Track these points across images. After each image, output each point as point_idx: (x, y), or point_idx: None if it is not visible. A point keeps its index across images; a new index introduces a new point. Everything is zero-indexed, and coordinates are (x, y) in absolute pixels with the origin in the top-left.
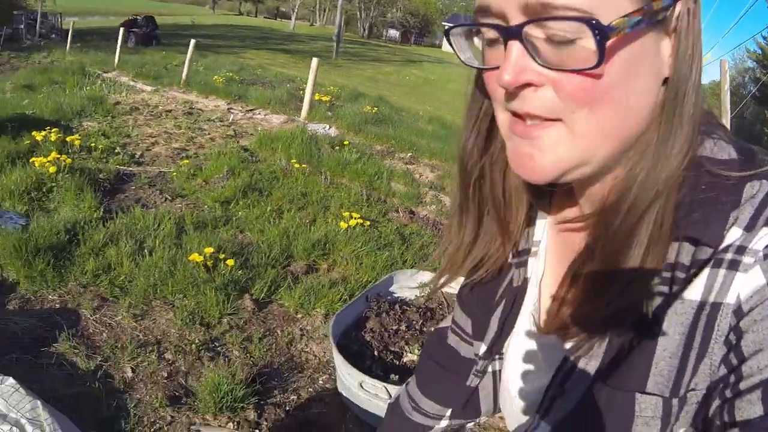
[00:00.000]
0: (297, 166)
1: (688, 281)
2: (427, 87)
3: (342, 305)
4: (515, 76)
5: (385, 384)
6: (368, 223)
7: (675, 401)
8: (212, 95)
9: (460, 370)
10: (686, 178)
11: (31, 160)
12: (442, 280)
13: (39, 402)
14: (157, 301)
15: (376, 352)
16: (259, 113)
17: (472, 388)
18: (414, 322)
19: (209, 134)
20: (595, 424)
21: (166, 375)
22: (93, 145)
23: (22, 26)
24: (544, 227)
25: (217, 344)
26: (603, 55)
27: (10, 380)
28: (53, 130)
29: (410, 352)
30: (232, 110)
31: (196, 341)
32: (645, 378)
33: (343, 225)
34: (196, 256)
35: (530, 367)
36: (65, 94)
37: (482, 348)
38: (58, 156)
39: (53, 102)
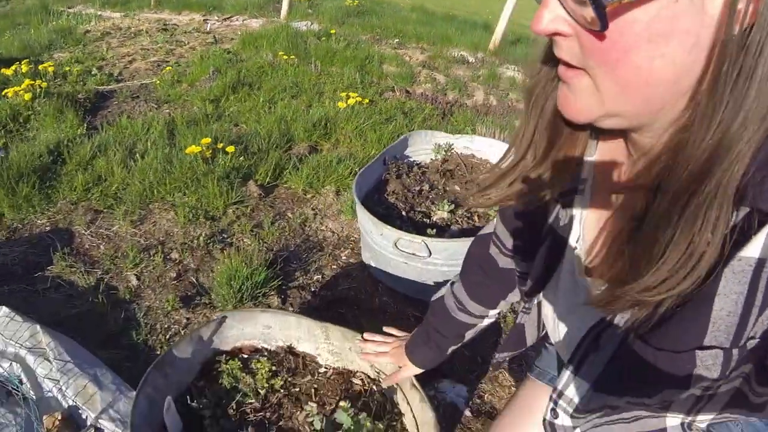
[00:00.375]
0: (285, 57)
1: (745, 241)
2: None
3: (352, 180)
4: (546, 24)
5: (424, 238)
6: (367, 100)
7: (735, 351)
8: (185, 10)
9: (500, 279)
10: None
11: (2, 93)
12: (488, 196)
13: (38, 327)
14: (156, 203)
15: (403, 213)
16: (237, 20)
17: (521, 324)
18: (435, 183)
19: (188, 44)
20: (645, 377)
21: (174, 276)
22: (68, 69)
23: None
24: (591, 168)
25: (225, 236)
26: (605, 21)
27: (4, 309)
28: (23, 61)
29: (440, 210)
30: (208, 20)
31: (202, 236)
32: (702, 336)
33: (341, 105)
34: (193, 148)
35: (564, 310)
36: (30, 32)
37: (528, 284)
38: (32, 82)
39: (19, 41)
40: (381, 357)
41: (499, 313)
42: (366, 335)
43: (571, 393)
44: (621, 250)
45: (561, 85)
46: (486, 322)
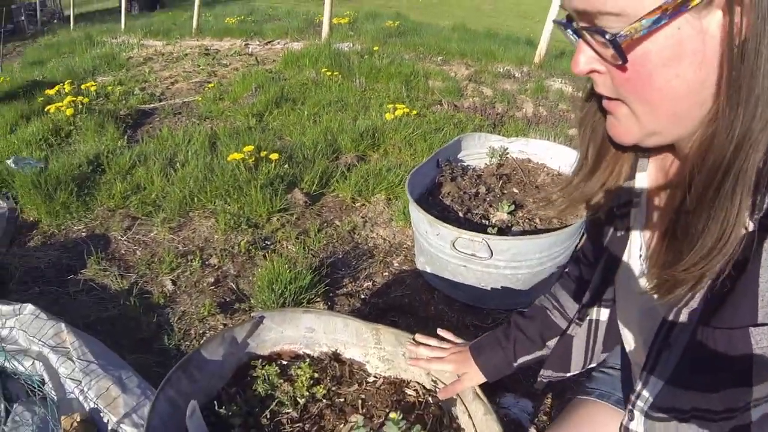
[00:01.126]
0: (329, 74)
1: None
2: (442, 6)
3: (403, 189)
4: (582, 66)
5: (485, 236)
6: (415, 111)
7: None
8: (227, 36)
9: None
10: None
11: (45, 109)
12: (558, 208)
13: (63, 325)
14: (196, 211)
15: (460, 214)
16: (278, 43)
17: (570, 336)
18: (492, 186)
19: (230, 66)
20: (710, 365)
21: (212, 281)
22: (110, 89)
23: (22, 18)
24: (644, 180)
25: (268, 242)
26: (623, 56)
27: (29, 307)
28: (66, 81)
29: (499, 210)
30: (249, 44)
31: (244, 242)
32: (755, 311)
33: (388, 116)
34: (235, 155)
35: (637, 316)
36: (75, 60)
37: (586, 296)
38: (74, 98)
39: (64, 67)
40: (435, 363)
41: None
42: (418, 337)
43: (647, 392)
44: (667, 242)
45: (608, 116)
46: (573, 333)
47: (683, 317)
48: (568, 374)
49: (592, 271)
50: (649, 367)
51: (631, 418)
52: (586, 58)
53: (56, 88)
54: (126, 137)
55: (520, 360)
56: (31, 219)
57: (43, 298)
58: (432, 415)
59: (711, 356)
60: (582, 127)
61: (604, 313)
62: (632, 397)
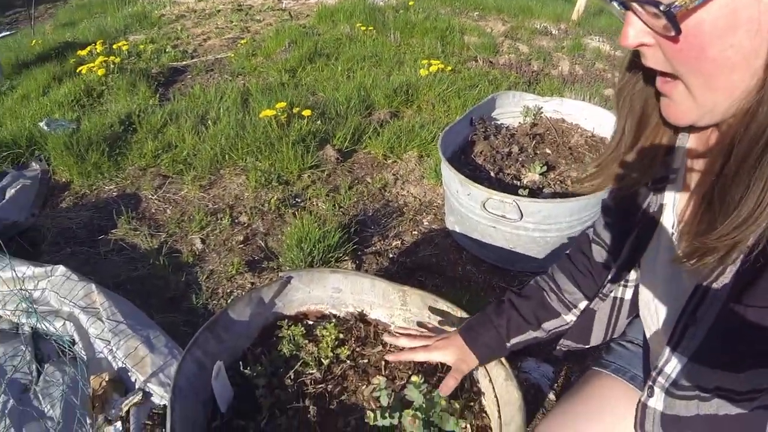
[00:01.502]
0: (363, 29)
1: None
2: None
3: (436, 146)
4: (632, 39)
5: (515, 197)
6: (450, 67)
7: None
8: None
9: (597, 273)
10: None
11: (77, 70)
12: (593, 181)
13: (93, 286)
14: (227, 168)
15: (492, 174)
16: None
17: (592, 311)
18: (525, 146)
19: (263, 21)
20: (738, 343)
21: (241, 239)
22: (142, 48)
23: None
24: (682, 156)
25: (299, 200)
26: (677, 26)
27: (61, 268)
28: (98, 41)
29: (531, 171)
30: (282, 0)
31: (274, 200)
32: None
33: (423, 72)
34: (267, 112)
35: (663, 294)
36: (107, 19)
37: (612, 272)
38: (106, 58)
39: (95, 27)
40: (421, 353)
41: (579, 316)
42: (396, 328)
43: (670, 368)
44: (702, 210)
45: (662, 97)
46: (568, 319)
47: (713, 292)
48: (587, 346)
49: (607, 253)
50: (673, 342)
51: (651, 395)
52: (635, 32)
53: (88, 48)
54: (158, 96)
55: (513, 340)
56: (63, 180)
57: (74, 259)
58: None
59: (740, 335)
60: (620, 99)
61: (628, 293)
62: (653, 374)
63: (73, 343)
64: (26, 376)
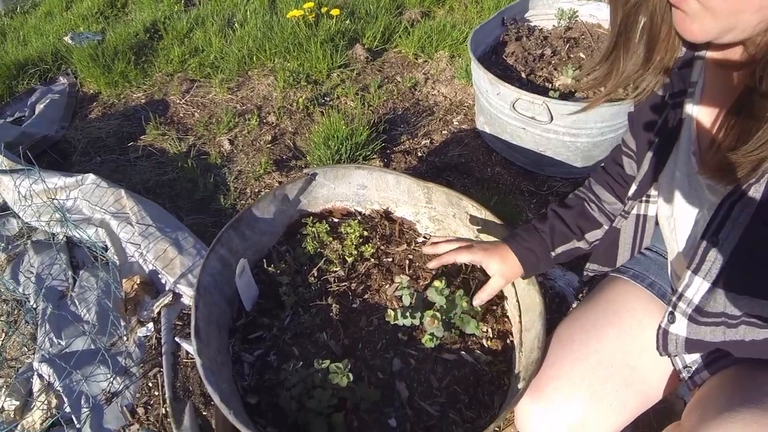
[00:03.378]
0: None
1: None
2: None
3: (467, 47)
4: None
5: (546, 99)
6: None
7: None
8: None
9: (625, 184)
10: None
11: None
12: (593, 84)
13: (122, 191)
14: (254, 69)
15: (523, 75)
16: None
17: (616, 230)
18: (558, 49)
19: None
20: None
21: (270, 139)
22: None
23: None
24: (701, 69)
25: (327, 99)
26: None
27: (91, 177)
28: None
29: (563, 74)
30: None
31: (303, 99)
32: None
33: None
34: (295, 12)
35: (681, 210)
36: None
37: (632, 188)
38: None
39: None
40: (463, 254)
41: None
42: (432, 239)
43: (691, 293)
44: (730, 125)
45: (675, 11)
46: (606, 227)
47: (738, 209)
48: (614, 268)
49: (636, 165)
50: (694, 265)
51: (672, 321)
52: None
53: None
54: (183, 2)
55: (558, 249)
56: (91, 92)
57: (104, 167)
58: (477, 281)
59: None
60: (617, 10)
61: (651, 209)
62: (673, 299)
63: (106, 248)
64: (63, 283)
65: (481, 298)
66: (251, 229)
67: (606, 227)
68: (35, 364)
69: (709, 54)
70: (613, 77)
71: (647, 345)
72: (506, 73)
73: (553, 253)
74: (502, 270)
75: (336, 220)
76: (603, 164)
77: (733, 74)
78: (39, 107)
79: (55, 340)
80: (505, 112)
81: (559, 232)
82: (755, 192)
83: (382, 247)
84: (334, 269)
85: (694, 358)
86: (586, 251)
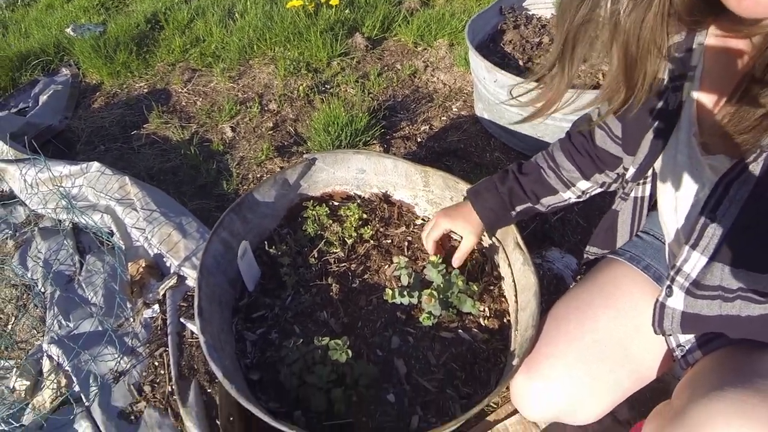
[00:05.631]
0: None
1: None
2: None
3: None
4: None
5: (542, 86)
6: None
7: None
8: None
9: (595, 156)
10: None
11: None
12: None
13: (127, 178)
14: (255, 58)
15: (521, 62)
16: None
17: (615, 212)
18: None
19: None
20: (763, 242)
21: (271, 126)
22: None
23: None
24: (700, 54)
25: (328, 86)
26: None
27: (95, 164)
28: None
29: None
30: None
31: (303, 86)
32: None
33: None
34: (294, 2)
35: (684, 190)
36: None
37: (631, 170)
38: None
39: None
40: (433, 232)
41: (580, 196)
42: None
43: (689, 267)
44: (731, 106)
45: None
46: (567, 196)
47: (737, 186)
48: (614, 250)
49: (613, 142)
50: (692, 240)
51: (669, 294)
52: None
53: None
54: None
55: (518, 208)
56: (94, 82)
57: (108, 155)
58: (475, 261)
59: (765, 232)
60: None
61: (647, 190)
62: (671, 273)
63: (111, 233)
64: (70, 267)
65: (458, 258)
66: (253, 212)
67: (562, 194)
68: (44, 346)
69: (708, 41)
70: (549, 99)
71: (642, 326)
72: (504, 61)
73: (513, 212)
74: (469, 229)
75: (336, 203)
76: (568, 131)
77: (736, 60)
78: (42, 98)
79: (63, 322)
80: (503, 99)
81: (517, 195)
82: (753, 169)
83: (381, 229)
84: (334, 250)
85: (688, 338)
86: (545, 212)
